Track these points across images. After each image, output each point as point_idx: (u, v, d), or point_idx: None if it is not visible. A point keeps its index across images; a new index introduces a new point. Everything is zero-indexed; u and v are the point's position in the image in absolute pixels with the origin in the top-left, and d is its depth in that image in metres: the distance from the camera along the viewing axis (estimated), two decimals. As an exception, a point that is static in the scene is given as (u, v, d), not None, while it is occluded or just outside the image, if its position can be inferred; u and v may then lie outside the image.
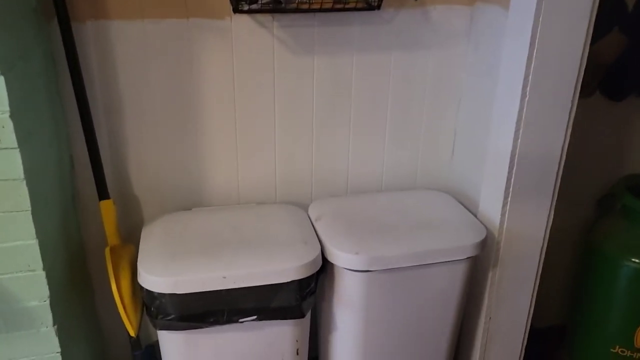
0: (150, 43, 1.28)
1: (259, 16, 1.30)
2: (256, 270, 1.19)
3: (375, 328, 1.35)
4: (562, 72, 1.22)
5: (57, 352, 1.14)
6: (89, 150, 1.26)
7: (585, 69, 1.23)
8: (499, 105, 1.32)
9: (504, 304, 1.46)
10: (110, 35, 1.25)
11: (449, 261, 1.30)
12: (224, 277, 1.17)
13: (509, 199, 1.33)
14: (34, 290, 1.08)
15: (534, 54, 1.18)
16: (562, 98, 1.25)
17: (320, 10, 1.28)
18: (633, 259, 1.56)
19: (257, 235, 1.30)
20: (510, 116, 1.25)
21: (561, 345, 1.88)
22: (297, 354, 1.34)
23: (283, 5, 1.25)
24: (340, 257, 1.26)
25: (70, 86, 1.21)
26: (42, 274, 1.07)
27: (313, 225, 1.37)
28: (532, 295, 1.47)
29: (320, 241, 1.30)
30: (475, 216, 1.43)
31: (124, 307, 1.21)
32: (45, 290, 1.08)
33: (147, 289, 1.17)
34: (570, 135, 1.29)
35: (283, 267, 1.20)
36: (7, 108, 0.94)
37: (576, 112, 1.27)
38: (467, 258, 1.32)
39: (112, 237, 1.30)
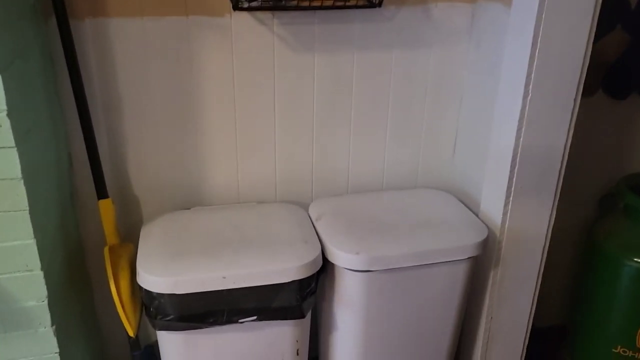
0: (149, 41, 1.27)
1: (259, 13, 1.30)
2: (256, 270, 1.19)
3: (375, 328, 1.35)
4: (565, 71, 1.21)
5: (56, 353, 1.13)
6: (87, 148, 1.25)
7: (587, 67, 1.22)
8: (500, 104, 1.31)
9: (505, 303, 1.45)
10: (109, 33, 1.24)
11: (450, 261, 1.30)
12: (224, 277, 1.16)
13: (511, 198, 1.32)
14: (32, 290, 1.07)
15: (536, 52, 1.17)
16: (564, 96, 1.24)
17: (321, 7, 1.27)
18: (635, 259, 1.56)
19: (257, 235, 1.29)
20: (512, 114, 1.25)
21: (562, 345, 1.88)
22: (297, 354, 1.33)
23: (283, 2, 1.24)
24: (340, 257, 1.25)
25: (69, 84, 1.20)
26: (40, 273, 1.06)
27: (313, 225, 1.36)
28: (534, 295, 1.46)
29: (320, 241, 1.30)
30: (477, 215, 1.42)
31: (123, 307, 1.21)
32: (43, 290, 1.07)
33: (146, 289, 1.16)
34: (572, 134, 1.29)
35: (283, 267, 1.19)
36: (5, 106, 0.93)
37: (578, 110, 1.26)
38: (469, 258, 1.31)
39: (111, 237, 1.30)
